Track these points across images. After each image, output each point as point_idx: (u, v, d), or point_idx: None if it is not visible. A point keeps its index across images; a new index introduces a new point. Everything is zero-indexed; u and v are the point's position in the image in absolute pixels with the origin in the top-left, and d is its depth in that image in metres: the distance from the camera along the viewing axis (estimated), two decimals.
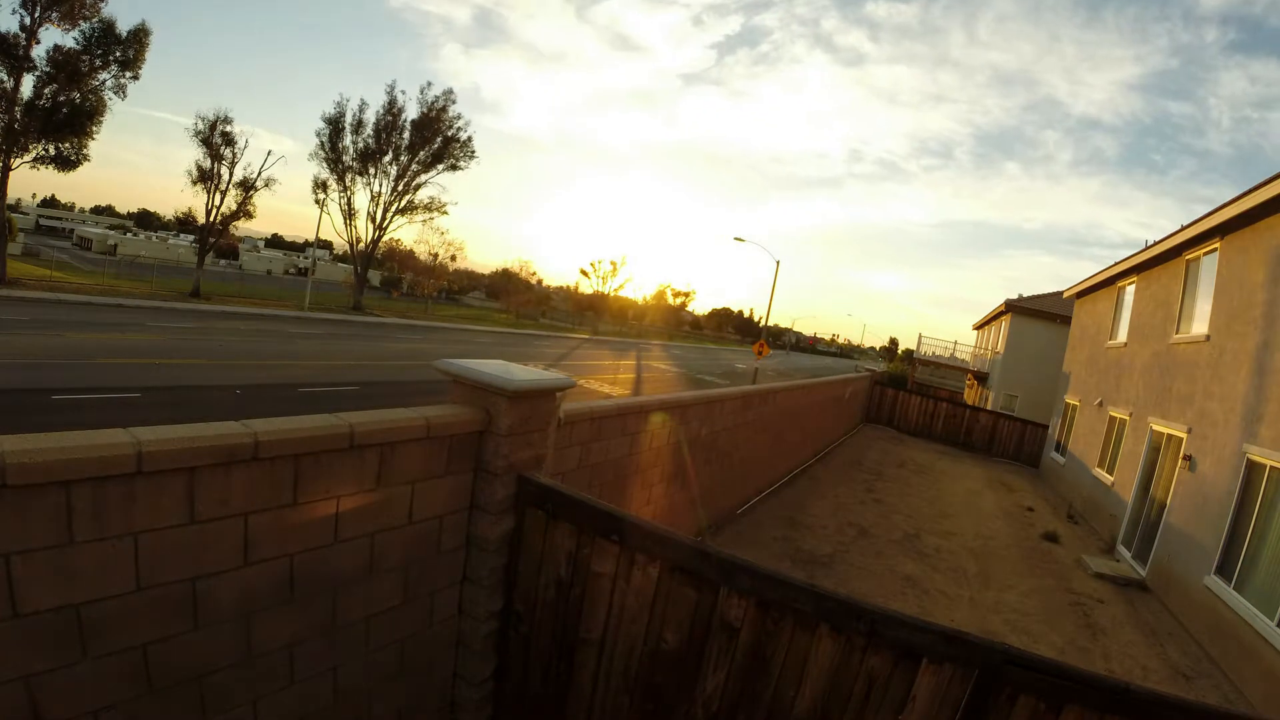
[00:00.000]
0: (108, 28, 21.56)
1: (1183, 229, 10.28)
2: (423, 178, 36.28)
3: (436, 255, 46.17)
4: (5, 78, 19.99)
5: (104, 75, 21.90)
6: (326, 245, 62.89)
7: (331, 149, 34.20)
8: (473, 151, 36.64)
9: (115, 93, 22.30)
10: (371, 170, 35.12)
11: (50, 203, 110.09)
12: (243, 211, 29.05)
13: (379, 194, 35.71)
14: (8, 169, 20.83)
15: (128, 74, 22.39)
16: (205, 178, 27.72)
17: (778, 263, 28.64)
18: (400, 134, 35.04)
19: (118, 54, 21.95)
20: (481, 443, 2.78)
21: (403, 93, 35.16)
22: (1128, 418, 11.69)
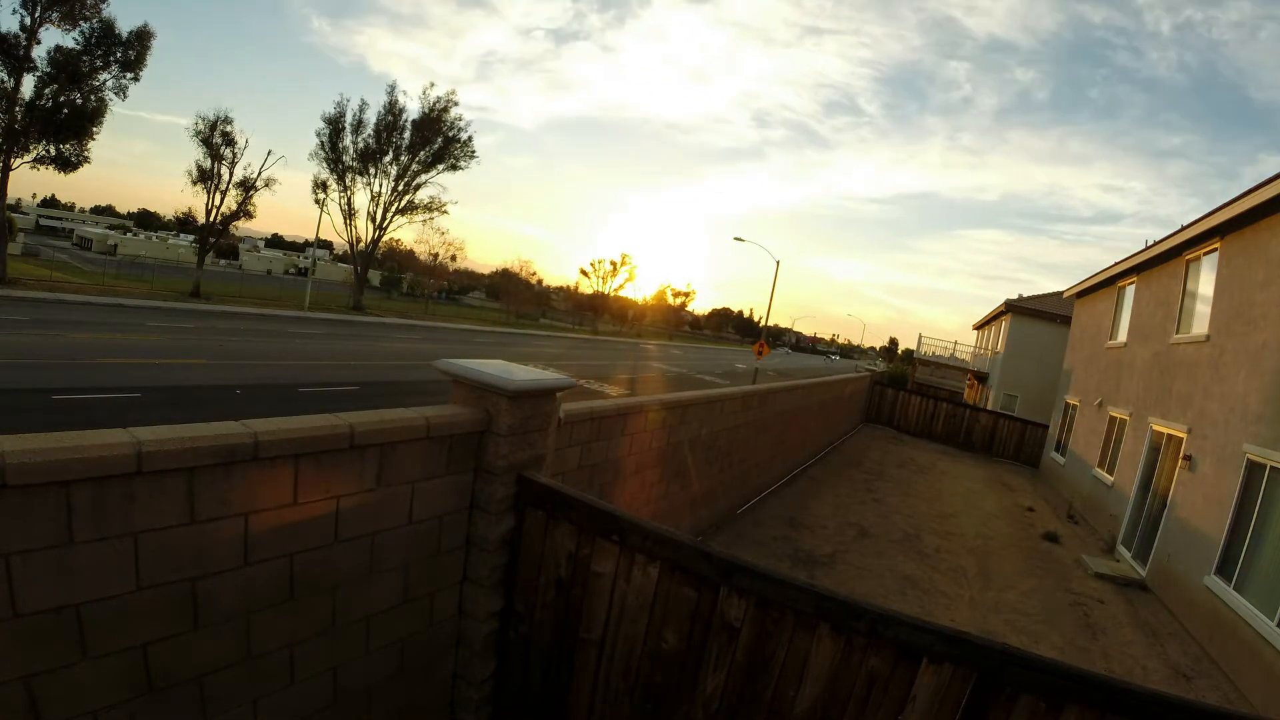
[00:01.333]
0: (108, 28, 21.56)
1: (1183, 229, 10.29)
2: (423, 178, 36.30)
3: (436, 255, 46.21)
4: (6, 78, 20.00)
5: (104, 76, 21.92)
6: (326, 245, 63.00)
7: (332, 149, 34.21)
8: (473, 151, 36.67)
9: (116, 93, 22.32)
10: (372, 170, 35.13)
11: (50, 203, 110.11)
12: (243, 211, 29.06)
13: (379, 194, 35.74)
14: (8, 169, 20.84)
15: (129, 75, 22.41)
16: (205, 178, 27.75)
17: (778, 263, 28.63)
18: (401, 134, 35.05)
19: (118, 55, 21.95)
20: (482, 443, 2.79)
21: (404, 93, 35.21)
22: (1128, 418, 11.69)
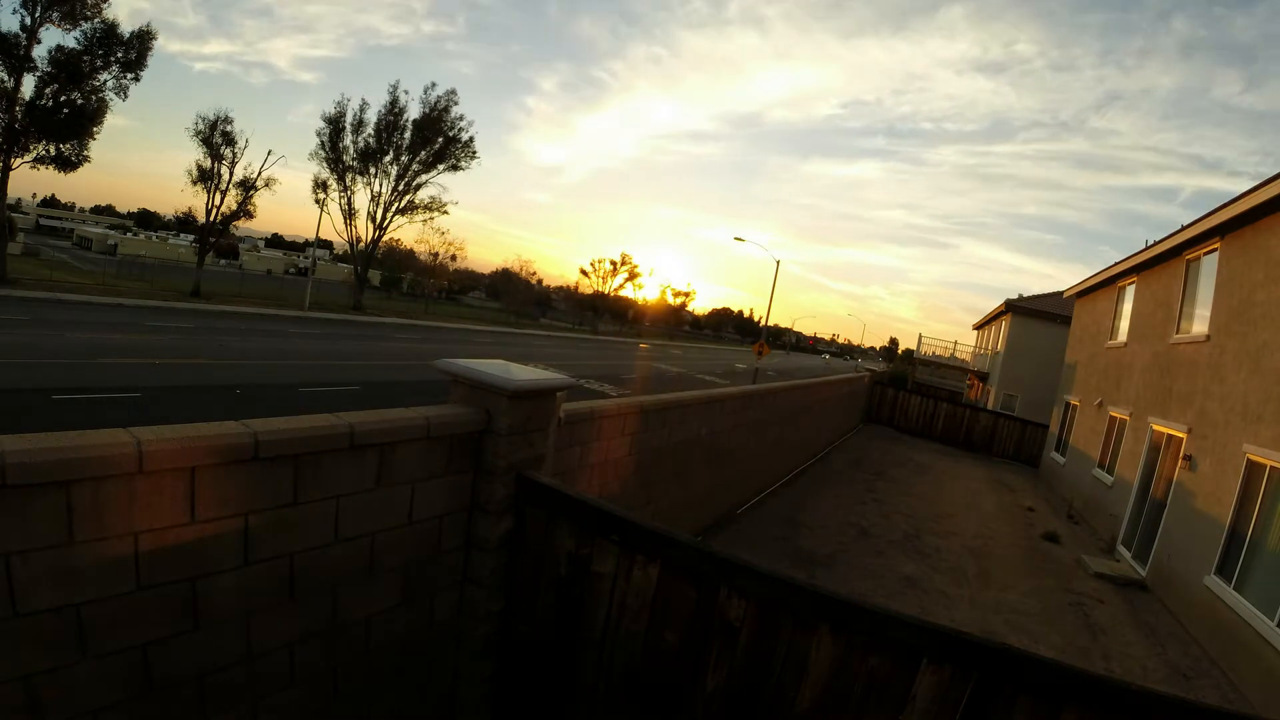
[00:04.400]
0: (110, 29, 21.56)
1: (1183, 229, 10.29)
2: (423, 178, 36.30)
3: (436, 255, 46.21)
4: (6, 78, 20.00)
5: (105, 76, 21.92)
6: (326, 245, 63.00)
7: (332, 149, 34.21)
8: (474, 152, 36.66)
9: (116, 93, 22.31)
10: (372, 170, 35.13)
11: (50, 202, 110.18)
12: (243, 211, 29.06)
13: (379, 194, 35.73)
14: (8, 169, 20.84)
15: (129, 75, 22.41)
16: (205, 177, 27.75)
17: (778, 263, 28.64)
18: (401, 134, 35.04)
19: (119, 55, 21.95)
20: (482, 443, 2.78)
21: (405, 93, 35.14)
22: (1128, 418, 11.69)
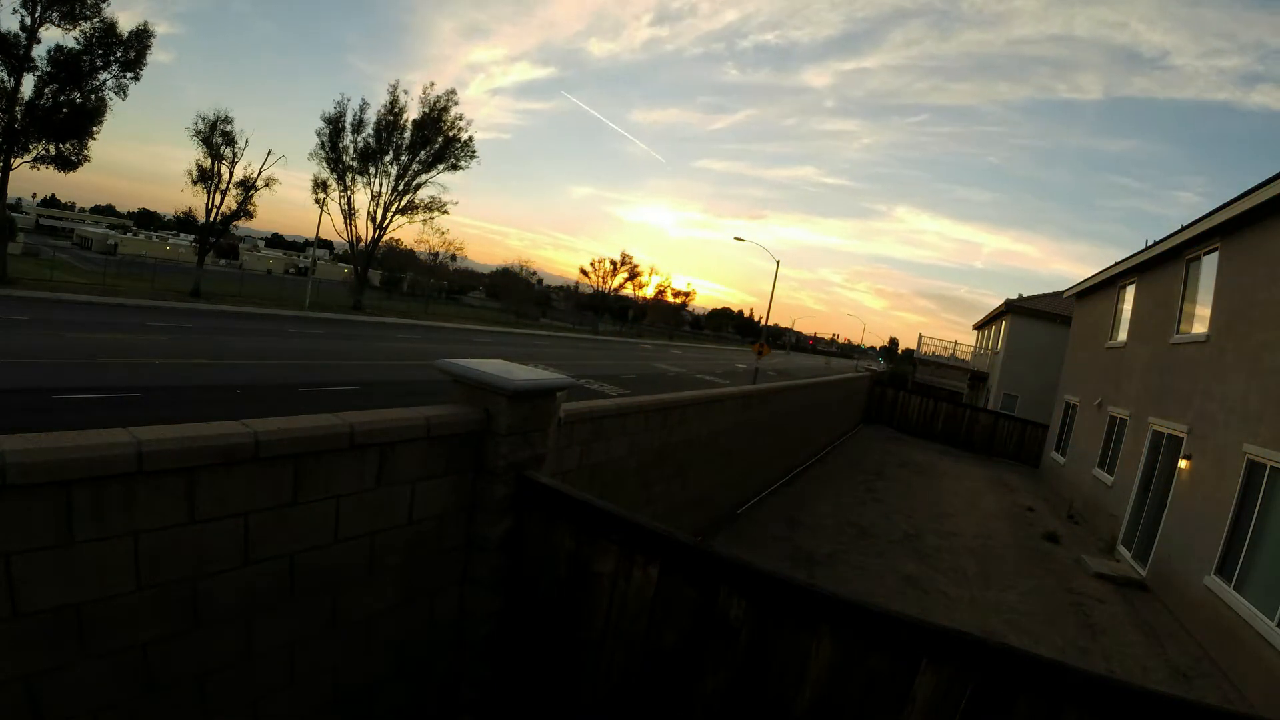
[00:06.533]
0: (109, 28, 21.54)
1: (1183, 229, 10.28)
2: (423, 177, 36.27)
3: (437, 255, 46.19)
4: (6, 77, 19.98)
5: (105, 75, 21.90)
6: (327, 245, 62.95)
7: (332, 148, 34.18)
8: (473, 151, 36.62)
9: (116, 93, 22.29)
10: (372, 170, 35.10)
11: (50, 202, 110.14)
12: (243, 211, 29.04)
13: (379, 193, 35.70)
14: (8, 168, 20.82)
15: (129, 75, 22.39)
16: (205, 177, 27.73)
17: (778, 263, 28.64)
18: (401, 134, 35.02)
19: (119, 54, 21.93)
20: (482, 442, 2.78)
21: (405, 93, 35.12)
22: (1128, 417, 11.68)
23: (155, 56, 22.71)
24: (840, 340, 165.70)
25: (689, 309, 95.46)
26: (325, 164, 34.43)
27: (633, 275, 67.83)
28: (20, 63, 20.00)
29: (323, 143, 34.28)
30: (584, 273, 68.58)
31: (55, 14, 20.38)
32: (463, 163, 36.65)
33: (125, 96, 22.52)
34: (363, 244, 36.26)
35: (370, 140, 34.66)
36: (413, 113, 35.24)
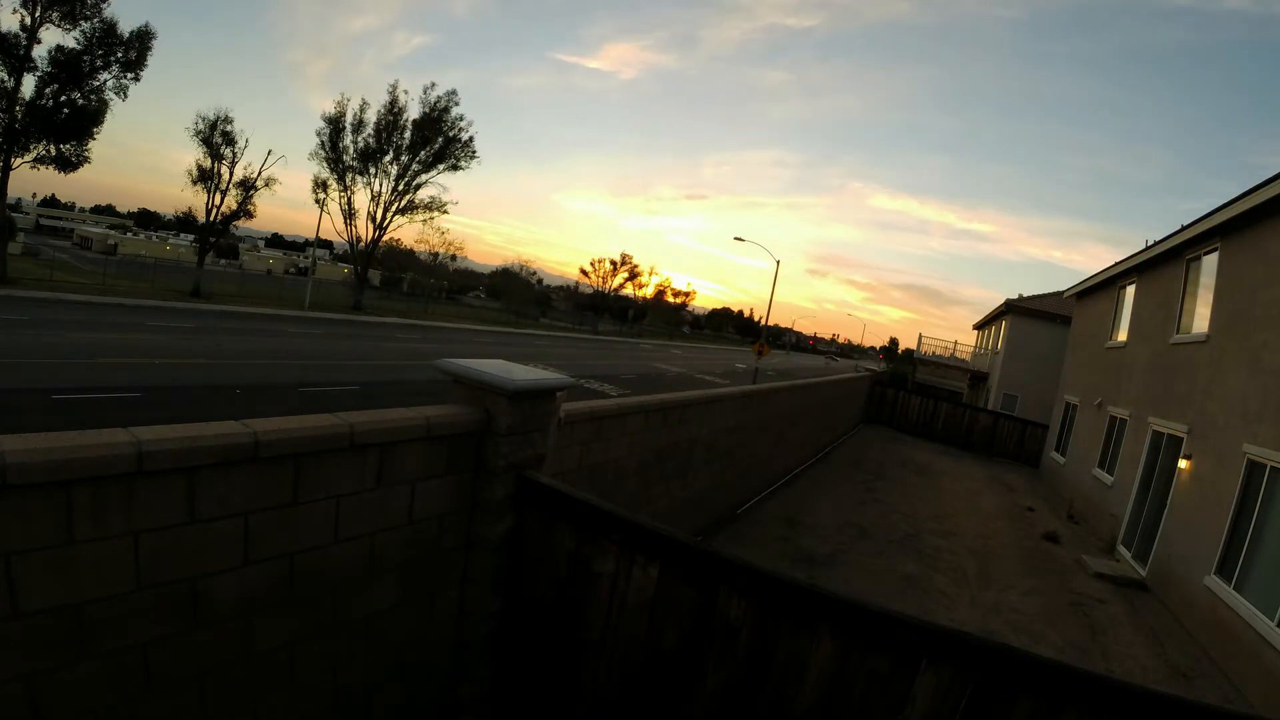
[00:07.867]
0: (110, 28, 21.54)
1: (1183, 229, 10.28)
2: (423, 177, 36.27)
3: (436, 255, 46.18)
4: (6, 78, 19.97)
5: (105, 76, 21.90)
6: (327, 245, 62.99)
7: (332, 148, 34.18)
8: (474, 152, 36.61)
9: (117, 93, 22.29)
10: (372, 170, 35.10)
11: (50, 202, 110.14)
12: (243, 211, 29.04)
13: (379, 193, 35.70)
14: (8, 169, 20.82)
15: (130, 75, 22.39)
16: (205, 177, 27.73)
17: (778, 262, 28.64)
18: (401, 134, 35.02)
19: (119, 55, 21.93)
20: (482, 442, 2.78)
21: (405, 93, 35.12)
22: (1128, 417, 11.68)
23: None
24: (840, 340, 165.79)
25: (689, 309, 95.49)
26: (325, 164, 34.44)
27: (633, 275, 67.90)
28: (20, 63, 20.00)
29: (323, 143, 34.29)
30: (584, 273, 68.69)
31: (55, 14, 20.38)
32: (463, 163, 36.66)
33: (125, 97, 22.52)
34: (363, 244, 36.26)
35: (370, 140, 34.67)
36: (413, 113, 35.25)
